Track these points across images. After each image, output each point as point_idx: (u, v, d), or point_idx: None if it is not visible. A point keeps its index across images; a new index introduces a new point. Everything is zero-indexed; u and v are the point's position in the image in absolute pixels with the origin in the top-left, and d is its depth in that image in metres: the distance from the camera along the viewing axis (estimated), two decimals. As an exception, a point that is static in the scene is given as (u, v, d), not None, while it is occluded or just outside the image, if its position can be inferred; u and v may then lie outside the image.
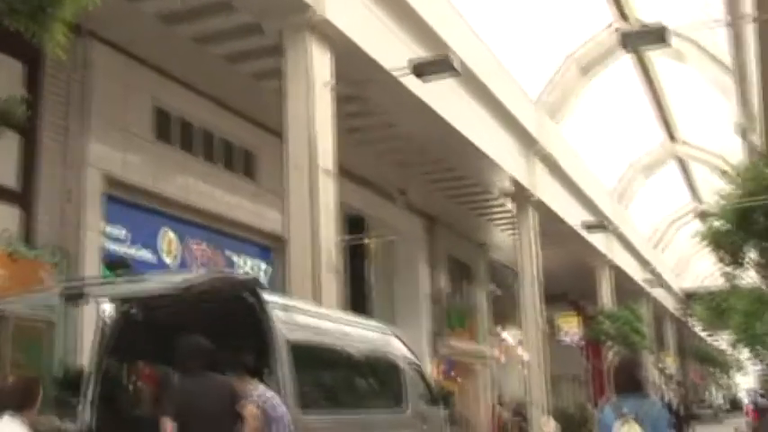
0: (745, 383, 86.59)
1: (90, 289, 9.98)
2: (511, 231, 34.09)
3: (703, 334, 78.16)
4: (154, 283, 9.81)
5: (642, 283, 51.52)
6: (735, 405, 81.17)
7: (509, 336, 39.54)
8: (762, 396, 32.03)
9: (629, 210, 52.71)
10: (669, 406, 38.25)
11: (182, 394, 7.79)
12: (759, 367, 63.99)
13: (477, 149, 25.48)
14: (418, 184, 29.27)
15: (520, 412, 33.55)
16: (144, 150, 18.48)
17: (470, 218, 34.74)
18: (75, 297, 9.96)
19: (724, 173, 25.13)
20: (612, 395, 7.58)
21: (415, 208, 30.96)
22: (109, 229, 17.42)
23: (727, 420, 54.19)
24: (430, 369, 28.60)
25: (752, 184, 23.05)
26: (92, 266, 16.14)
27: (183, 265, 19.38)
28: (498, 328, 39.59)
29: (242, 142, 22.04)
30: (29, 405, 6.37)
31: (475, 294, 37.80)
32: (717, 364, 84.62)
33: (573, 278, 41.79)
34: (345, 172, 20.31)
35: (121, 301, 9.83)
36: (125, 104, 18.00)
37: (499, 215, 34.68)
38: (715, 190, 25.58)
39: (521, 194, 30.53)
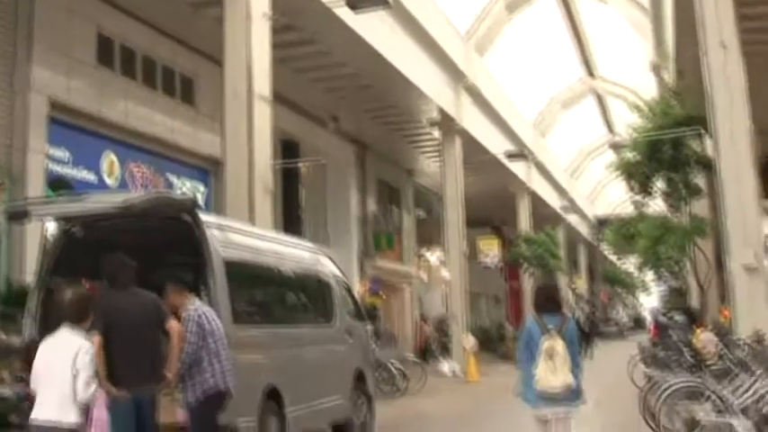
0: (648, 303, 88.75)
1: (33, 208, 9.86)
2: (437, 159, 34.26)
3: (613, 257, 79.73)
4: (95, 203, 9.69)
5: (558, 210, 52.34)
6: (638, 323, 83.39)
7: (433, 257, 39.91)
8: (663, 315, 32.86)
9: (548, 140, 53.19)
10: (578, 323, 39.18)
11: (109, 308, 7.75)
12: (661, 288, 65.92)
13: (406, 80, 25.48)
14: (350, 112, 29.21)
15: (441, 328, 34.12)
16: (87, 75, 18.16)
17: (399, 145, 34.82)
18: (18, 216, 9.83)
19: (637, 107, 25.59)
20: (533, 312, 8.02)
21: (347, 134, 30.88)
22: (53, 151, 17.14)
23: (632, 337, 55.49)
24: (358, 288, 28.85)
25: (662, 119, 23.58)
26: (36, 187, 15.90)
27: (124, 186, 19.16)
28: (423, 250, 39.94)
29: (181, 68, 21.73)
30: (85, 318, 6.66)
31: (402, 217, 38.03)
32: (624, 285, 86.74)
33: (494, 204, 42.26)
34: (281, 98, 20.19)
35: (64, 219, 9.72)
36: (69, 31, 17.60)
37: (426, 143, 34.82)
38: (628, 123, 26.06)
39: (447, 124, 30.68)
